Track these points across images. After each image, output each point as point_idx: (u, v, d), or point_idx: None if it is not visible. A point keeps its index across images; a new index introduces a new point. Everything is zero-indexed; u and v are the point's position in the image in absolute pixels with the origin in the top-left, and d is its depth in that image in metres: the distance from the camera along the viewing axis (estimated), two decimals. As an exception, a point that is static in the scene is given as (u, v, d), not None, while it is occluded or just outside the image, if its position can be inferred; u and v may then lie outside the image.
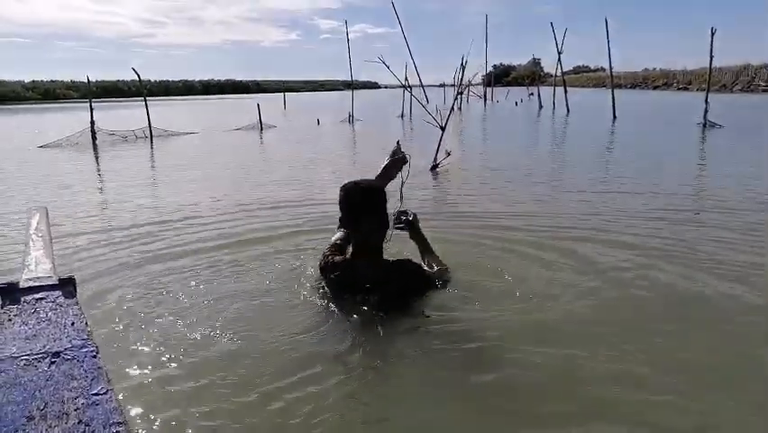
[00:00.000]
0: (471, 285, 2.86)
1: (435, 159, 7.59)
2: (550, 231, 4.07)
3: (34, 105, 57.45)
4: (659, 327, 2.47)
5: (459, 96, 10.57)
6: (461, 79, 12.59)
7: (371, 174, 3.02)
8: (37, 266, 1.26)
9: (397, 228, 2.90)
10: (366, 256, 2.67)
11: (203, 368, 2.07)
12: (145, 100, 15.86)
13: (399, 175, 3.00)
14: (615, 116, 16.96)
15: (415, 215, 3.00)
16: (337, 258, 2.76)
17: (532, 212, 4.82)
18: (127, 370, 2.05)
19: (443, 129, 8.38)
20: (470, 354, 2.24)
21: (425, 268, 2.80)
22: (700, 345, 2.29)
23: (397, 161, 3.01)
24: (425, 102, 15.48)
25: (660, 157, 8.78)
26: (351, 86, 23.45)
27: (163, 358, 2.15)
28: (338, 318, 2.54)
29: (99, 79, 78.59)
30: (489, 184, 6.55)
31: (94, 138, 13.56)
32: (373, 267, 2.64)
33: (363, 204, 2.63)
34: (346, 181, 2.75)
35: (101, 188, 7.12)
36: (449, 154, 7.54)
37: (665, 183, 6.08)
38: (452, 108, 8.69)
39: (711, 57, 14.42)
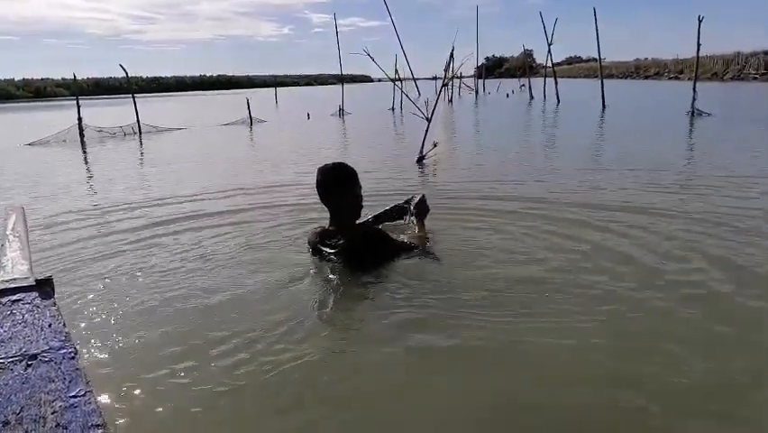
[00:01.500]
0: (451, 266, 3.07)
1: (422, 150, 7.56)
2: (536, 215, 4.19)
3: (25, 104, 56.94)
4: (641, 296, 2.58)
5: (444, 88, 10.51)
6: (452, 70, 12.53)
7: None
8: (13, 267, 1.23)
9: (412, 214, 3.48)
10: (339, 226, 3.13)
11: (184, 363, 2.05)
12: (133, 96, 15.74)
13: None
14: (604, 106, 17.01)
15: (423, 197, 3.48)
16: (318, 229, 3.26)
17: (519, 196, 4.92)
18: (107, 370, 2.02)
19: (428, 120, 8.37)
20: (432, 316, 2.46)
21: (394, 238, 3.17)
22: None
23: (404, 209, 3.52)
24: (416, 94, 15.48)
25: (646, 144, 8.95)
26: (341, 79, 23.38)
27: (144, 355, 2.13)
28: (309, 279, 2.92)
29: (91, 77, 77.97)
30: (476, 173, 6.58)
31: (81, 135, 13.42)
32: (343, 235, 3.06)
33: (332, 180, 3.10)
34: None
35: (84, 185, 7.03)
36: (435, 145, 7.52)
37: (649, 166, 6.31)
38: (438, 99, 8.67)
39: (699, 45, 14.40)
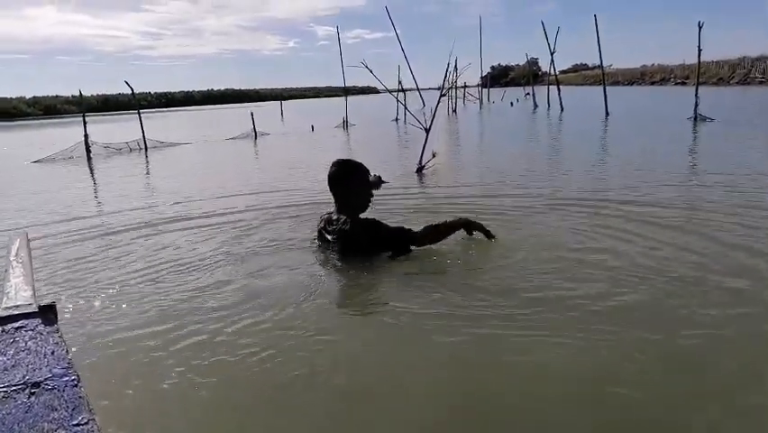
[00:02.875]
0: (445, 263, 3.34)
1: (421, 161, 7.58)
2: (533, 218, 4.36)
3: (35, 121, 57.47)
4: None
5: (446, 98, 10.63)
6: (455, 81, 12.60)
7: None
8: (16, 294, 1.23)
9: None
10: (343, 215, 3.42)
11: (188, 384, 2.05)
12: (138, 112, 15.90)
13: None
14: (607, 113, 17.01)
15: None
16: (325, 215, 3.59)
17: (520, 207, 4.94)
18: (110, 396, 1.99)
19: (427, 131, 8.40)
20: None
21: (389, 225, 3.38)
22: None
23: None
24: (420, 105, 15.51)
25: (647, 150, 8.99)
26: (346, 91, 23.50)
27: (146, 381, 2.11)
28: (309, 263, 3.32)
29: (100, 93, 78.48)
30: (476, 183, 6.60)
31: (88, 151, 13.51)
32: (343, 223, 3.36)
33: (337, 174, 3.49)
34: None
35: (88, 202, 7.01)
36: (435, 156, 7.55)
37: (653, 174, 6.35)
38: (436, 109, 8.68)
39: (699, 50, 14.51)
